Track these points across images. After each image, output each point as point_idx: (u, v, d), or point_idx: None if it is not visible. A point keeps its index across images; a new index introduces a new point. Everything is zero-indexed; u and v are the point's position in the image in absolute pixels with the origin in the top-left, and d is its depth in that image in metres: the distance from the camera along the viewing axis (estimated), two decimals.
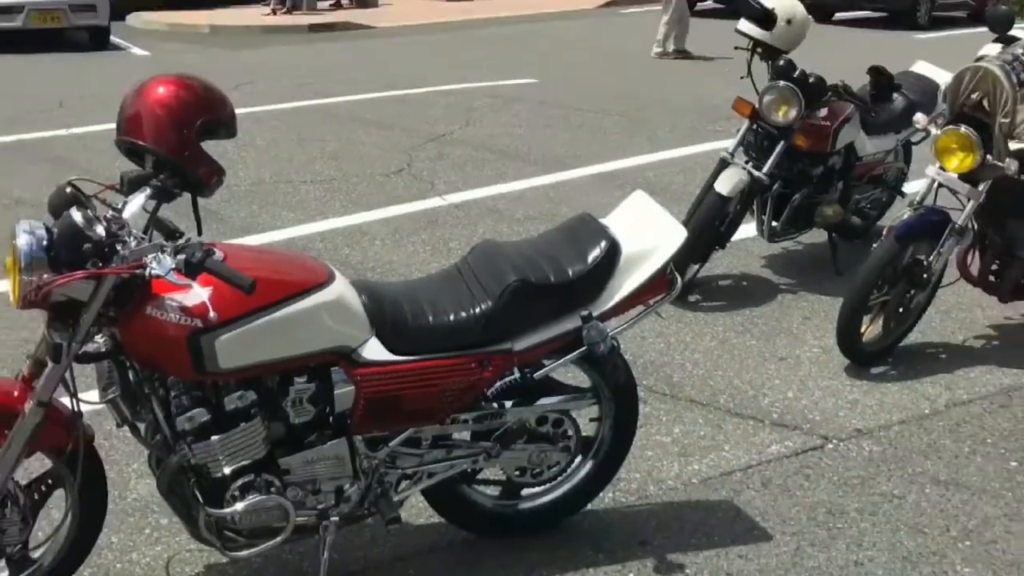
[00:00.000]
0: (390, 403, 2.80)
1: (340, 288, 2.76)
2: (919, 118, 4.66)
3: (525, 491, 3.25)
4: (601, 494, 3.38)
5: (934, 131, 4.47)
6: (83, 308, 2.47)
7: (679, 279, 3.13)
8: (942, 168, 4.41)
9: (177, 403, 2.62)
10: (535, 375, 2.98)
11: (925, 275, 4.48)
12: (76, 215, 2.45)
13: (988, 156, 4.31)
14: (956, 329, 4.97)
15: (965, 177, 4.38)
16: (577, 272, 2.95)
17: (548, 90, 10.77)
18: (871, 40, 15.17)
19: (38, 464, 2.78)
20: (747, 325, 4.98)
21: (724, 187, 5.10)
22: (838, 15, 18.02)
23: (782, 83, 5.17)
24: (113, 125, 2.65)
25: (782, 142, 5.21)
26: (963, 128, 4.31)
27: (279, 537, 2.78)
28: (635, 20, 17.39)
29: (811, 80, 5.17)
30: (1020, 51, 4.43)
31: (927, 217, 4.45)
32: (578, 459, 3.24)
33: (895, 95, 5.80)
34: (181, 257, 2.40)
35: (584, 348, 2.95)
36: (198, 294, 2.51)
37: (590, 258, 2.97)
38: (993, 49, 4.83)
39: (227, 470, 2.67)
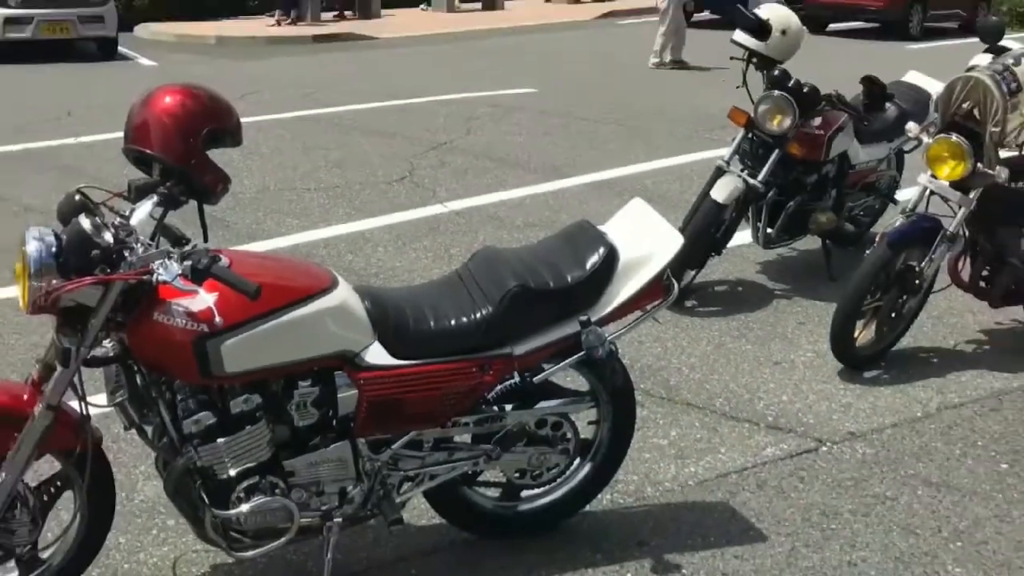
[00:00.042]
0: (393, 406, 2.83)
1: (343, 294, 2.79)
2: (911, 127, 4.69)
3: (525, 493, 3.28)
4: (599, 496, 3.41)
5: (926, 140, 4.51)
6: (91, 313, 2.50)
7: (676, 285, 3.16)
8: (934, 176, 4.45)
9: (184, 406, 2.65)
10: (535, 379, 3.01)
11: (917, 281, 4.52)
12: (85, 222, 2.48)
13: (979, 164, 4.36)
14: (948, 334, 5.02)
15: (956, 185, 4.43)
16: (576, 278, 2.99)
17: (548, 99, 10.82)
18: (864, 50, 15.25)
19: (47, 466, 2.81)
20: (743, 330, 5.02)
21: (720, 195, 5.14)
22: (832, 26, 18.17)
23: (777, 93, 5.22)
24: (121, 134, 2.68)
25: (777, 150, 5.26)
26: (954, 137, 4.36)
27: (284, 538, 2.80)
28: (632, 31, 17.49)
29: (805, 90, 5.22)
30: (1010, 61, 4.47)
31: (919, 224, 4.49)
32: (577, 461, 3.27)
33: (888, 104, 5.84)
34: (187, 263, 2.43)
35: (583, 352, 2.98)
36: (204, 299, 2.54)
37: (589, 264, 3.01)
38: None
39: (233, 472, 2.69)
